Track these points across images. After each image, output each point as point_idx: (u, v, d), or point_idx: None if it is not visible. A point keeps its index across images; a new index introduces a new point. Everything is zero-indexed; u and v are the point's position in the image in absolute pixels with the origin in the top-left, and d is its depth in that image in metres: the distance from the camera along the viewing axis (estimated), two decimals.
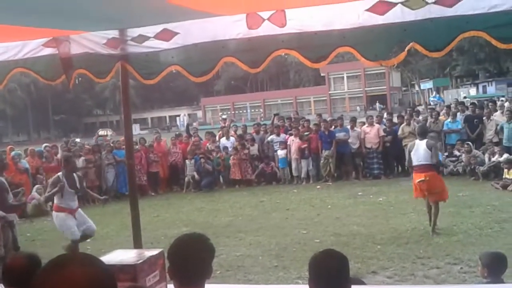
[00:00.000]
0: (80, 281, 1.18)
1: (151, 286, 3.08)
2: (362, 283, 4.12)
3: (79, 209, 8.75)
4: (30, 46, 4.50)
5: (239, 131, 17.24)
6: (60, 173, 8.29)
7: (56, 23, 3.93)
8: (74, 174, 8.67)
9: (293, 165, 15.20)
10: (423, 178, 8.39)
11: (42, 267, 1.28)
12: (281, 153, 15.34)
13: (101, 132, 26.52)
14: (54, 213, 8.46)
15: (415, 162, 8.55)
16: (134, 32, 4.28)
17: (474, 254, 6.88)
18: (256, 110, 74.26)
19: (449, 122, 15.00)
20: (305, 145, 14.97)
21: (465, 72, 56.54)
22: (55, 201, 8.26)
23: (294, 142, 15.20)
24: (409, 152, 8.80)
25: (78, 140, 20.99)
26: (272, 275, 6.85)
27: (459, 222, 8.87)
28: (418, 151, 8.49)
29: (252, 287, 4.55)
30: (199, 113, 79.83)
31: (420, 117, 16.02)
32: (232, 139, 16.27)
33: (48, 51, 4.49)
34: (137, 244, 4.82)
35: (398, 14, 3.54)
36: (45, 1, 3.27)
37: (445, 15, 3.45)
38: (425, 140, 8.58)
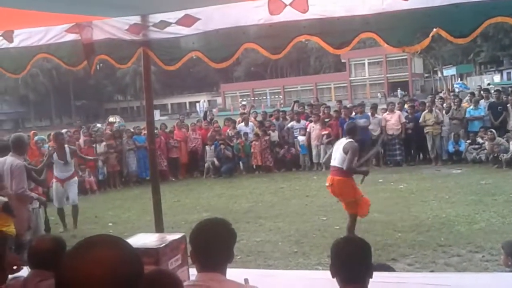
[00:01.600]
0: (108, 263, 1.20)
1: (173, 269, 3.12)
2: (389, 269, 4.13)
3: (71, 180, 9.90)
4: (54, 32, 4.53)
5: (259, 118, 17.23)
6: (51, 147, 10.23)
7: (79, 8, 3.97)
8: (66, 147, 9.98)
9: (313, 152, 15.17)
10: (328, 183, 7.47)
11: (69, 249, 1.30)
12: (301, 139, 15.32)
13: (111, 119, 26.86)
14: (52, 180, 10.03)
15: (331, 162, 7.48)
16: (156, 18, 4.29)
17: (497, 243, 6.82)
18: (276, 96, 74.10)
19: (472, 109, 14.79)
20: (326, 132, 14.91)
21: (489, 59, 55.63)
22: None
23: (314, 128, 15.15)
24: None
25: (99, 125, 21.17)
26: (292, 261, 6.89)
27: (481, 210, 8.78)
28: (338, 150, 7.33)
29: (272, 272, 4.58)
30: (219, 100, 79.95)
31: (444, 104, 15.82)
32: (251, 125, 16.29)
33: (71, 36, 4.52)
34: (159, 228, 4.89)
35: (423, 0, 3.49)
36: None
37: (471, 0, 3.39)
38: (348, 141, 7.26)
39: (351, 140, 7.29)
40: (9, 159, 6.67)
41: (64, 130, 16.53)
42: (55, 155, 9.65)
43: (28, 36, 4.62)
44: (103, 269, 1.19)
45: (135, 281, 1.24)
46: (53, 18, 4.11)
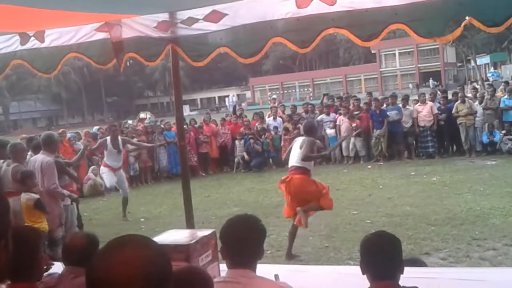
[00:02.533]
0: (136, 263, 1.22)
1: (204, 265, 3.15)
2: (422, 264, 4.08)
3: (121, 171, 10.68)
4: (84, 31, 4.61)
5: (288, 111, 17.20)
6: (108, 137, 10.65)
7: (108, 7, 4.02)
8: (119, 138, 10.72)
9: (344, 145, 15.07)
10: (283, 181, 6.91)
11: (100, 249, 1.33)
12: (330, 132, 15.23)
13: (142, 115, 27.24)
14: (101, 167, 10.90)
15: (289, 163, 7.01)
16: (183, 14, 4.32)
17: None
18: (305, 89, 73.80)
19: (506, 98, 14.43)
20: (355, 124, 14.80)
21: None
22: (104, 158, 10.69)
23: (343, 121, 15.05)
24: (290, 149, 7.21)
25: (130, 122, 21.46)
26: (323, 255, 6.87)
27: None
28: (295, 150, 6.91)
29: (302, 267, 4.57)
30: (248, 94, 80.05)
31: (477, 94, 15.49)
32: (279, 119, 16.28)
33: (100, 35, 4.59)
34: (190, 224, 4.93)
35: None
36: None
37: None
38: (304, 138, 6.93)
39: (307, 137, 6.89)
40: (40, 157, 6.82)
41: (96, 127, 16.83)
42: (109, 145, 10.41)
43: (59, 36, 4.71)
44: (133, 270, 1.20)
45: (164, 280, 1.26)
46: (83, 17, 4.18)
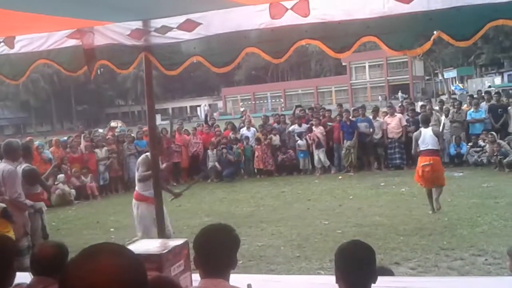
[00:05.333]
0: (112, 272, 1.19)
1: (176, 275, 3.11)
2: (391, 273, 4.11)
3: None
4: (55, 38, 4.53)
5: (260, 122, 17.25)
6: (148, 154, 6.88)
7: (80, 12, 3.96)
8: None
9: (315, 156, 15.17)
10: (428, 162, 9.03)
11: (73, 257, 1.29)
12: (302, 143, 15.32)
13: (112, 123, 26.83)
14: (136, 202, 7.27)
15: (422, 147, 9.20)
16: (157, 23, 4.29)
17: (499, 246, 6.82)
18: (277, 100, 74.10)
19: (473, 111, 14.78)
20: (318, 136, 14.93)
21: (490, 61, 55.52)
22: (139, 188, 7.27)
23: (315, 132, 15.16)
24: (416, 140, 9.44)
25: (100, 130, 21.18)
26: (294, 265, 6.87)
27: (484, 213, 8.76)
28: (425, 137, 9.20)
29: (275, 277, 4.57)
30: (220, 103, 79.92)
31: (444, 106, 15.80)
32: (252, 129, 16.32)
33: (71, 42, 4.52)
34: (161, 233, 4.87)
35: (424, 3, 3.48)
36: None
37: (472, 3, 3.38)
38: (430, 128, 9.44)
39: (431, 126, 9.58)
40: (1, 166, 6.65)
41: (67, 136, 16.56)
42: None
43: (29, 42, 4.61)
44: (107, 278, 1.18)
45: None
46: (55, 22, 4.11)
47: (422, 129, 9.45)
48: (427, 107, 15.11)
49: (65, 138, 16.13)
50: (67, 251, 2.97)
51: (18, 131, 69.07)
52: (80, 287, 1.17)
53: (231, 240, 2.54)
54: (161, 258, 2.98)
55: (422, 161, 9.20)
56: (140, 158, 7.46)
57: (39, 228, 7.40)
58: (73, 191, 13.51)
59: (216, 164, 15.40)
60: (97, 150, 14.83)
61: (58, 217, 11.61)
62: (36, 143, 14.40)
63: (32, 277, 2.96)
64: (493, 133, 13.82)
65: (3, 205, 6.20)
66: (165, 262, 2.99)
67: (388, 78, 69.83)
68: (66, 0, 3.50)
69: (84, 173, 14.23)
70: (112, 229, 10.05)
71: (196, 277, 2.78)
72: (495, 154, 13.25)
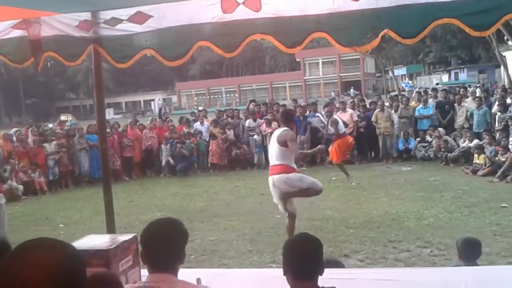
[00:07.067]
0: (47, 267, 1.16)
1: (124, 271, 3.06)
2: (339, 265, 4.18)
3: None
4: None
5: (213, 116, 17.21)
6: (286, 128, 6.86)
7: (26, 2, 3.83)
8: None
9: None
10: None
11: (6, 253, 1.25)
12: (256, 138, 15.36)
13: (63, 117, 26.16)
14: (287, 175, 6.80)
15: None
16: (106, 14, 4.21)
17: (444, 238, 7.04)
18: (232, 95, 73.98)
19: (421, 108, 15.19)
20: (270, 130, 15.01)
21: (438, 59, 57.28)
22: (285, 161, 6.77)
23: (268, 127, 15.21)
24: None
25: (50, 125, 20.55)
26: (247, 259, 6.88)
27: (430, 206, 9.02)
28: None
29: (225, 271, 4.57)
30: (174, 98, 79.12)
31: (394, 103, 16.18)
32: (206, 124, 16.26)
33: (17, 33, 4.38)
34: (110, 229, 4.78)
35: (373, 1, 3.55)
36: None
37: (418, 2, 3.47)
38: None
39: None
40: None
41: (14, 129, 15.99)
42: None
43: None
44: (42, 274, 1.14)
45: (75, 285, 1.20)
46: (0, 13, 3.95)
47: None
48: (378, 103, 15.42)
49: (13, 131, 15.55)
50: (9, 247, 2.86)
51: None
52: (10, 283, 1.13)
53: (178, 234, 2.51)
54: (108, 253, 2.92)
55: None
56: (284, 133, 6.74)
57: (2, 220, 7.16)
58: (20, 187, 13.06)
59: (170, 158, 15.25)
60: (46, 145, 14.39)
61: None
62: None
63: None
64: (440, 129, 14.26)
65: None
66: (113, 258, 2.93)
67: (341, 74, 70.91)
68: None
69: (33, 168, 13.80)
70: (61, 225, 9.80)
71: (145, 272, 2.74)
72: (441, 149, 13.67)
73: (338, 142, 12.50)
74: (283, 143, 6.69)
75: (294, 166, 6.85)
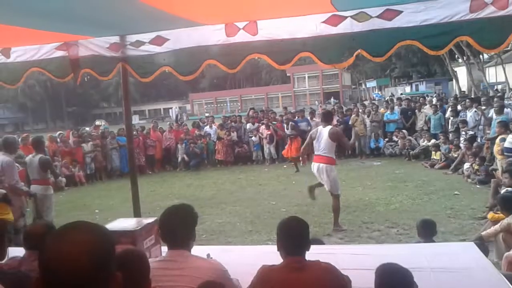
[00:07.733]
0: (83, 244, 1.16)
1: (148, 248, 3.05)
2: (322, 242, 4.16)
3: None
4: (45, 49, 4.39)
5: (220, 121, 17.18)
6: (332, 127, 6.91)
7: (67, 28, 3.83)
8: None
9: (265, 149, 15.22)
10: None
11: (51, 232, 1.26)
12: (255, 139, 15.35)
13: (97, 122, 26.16)
14: (331, 166, 6.92)
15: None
16: (132, 38, 4.21)
17: (408, 220, 7.03)
18: (235, 103, 73.80)
19: (388, 114, 15.18)
20: (268, 133, 14.99)
21: (402, 73, 57.08)
22: (331, 154, 6.90)
23: (265, 130, 15.19)
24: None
25: (87, 128, 20.48)
26: (248, 238, 6.87)
27: (396, 194, 9.01)
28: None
29: (230, 247, 4.56)
30: (188, 106, 78.97)
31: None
32: (214, 127, 16.26)
33: (59, 53, 4.37)
34: (136, 213, 4.78)
35: (348, 26, 3.54)
36: (58, 10, 3.17)
37: (385, 27, 3.46)
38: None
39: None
40: (0, 157, 6.37)
41: (58, 133, 15.95)
42: None
43: (23, 53, 4.45)
44: (79, 249, 1.15)
45: (106, 260, 1.20)
46: (45, 36, 3.95)
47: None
48: (354, 110, 15.39)
49: (57, 134, 15.51)
50: (54, 228, 2.85)
51: (17, 129, 66.13)
52: (53, 257, 1.14)
53: (189, 217, 2.50)
54: (134, 234, 2.92)
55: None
56: (336, 131, 6.80)
57: (51, 207, 7.15)
58: (64, 179, 13.04)
59: (184, 156, 15.23)
60: (84, 145, 14.38)
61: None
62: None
63: (25, 251, 2.85)
64: (404, 130, 14.26)
65: (3, 191, 5.95)
66: (138, 237, 2.93)
67: (323, 86, 70.74)
68: (55, 18, 3.36)
69: (73, 164, 13.79)
70: (96, 211, 9.78)
71: (164, 249, 2.73)
72: (405, 147, 13.66)
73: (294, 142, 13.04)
74: (335, 138, 6.79)
75: (335, 158, 7.07)
